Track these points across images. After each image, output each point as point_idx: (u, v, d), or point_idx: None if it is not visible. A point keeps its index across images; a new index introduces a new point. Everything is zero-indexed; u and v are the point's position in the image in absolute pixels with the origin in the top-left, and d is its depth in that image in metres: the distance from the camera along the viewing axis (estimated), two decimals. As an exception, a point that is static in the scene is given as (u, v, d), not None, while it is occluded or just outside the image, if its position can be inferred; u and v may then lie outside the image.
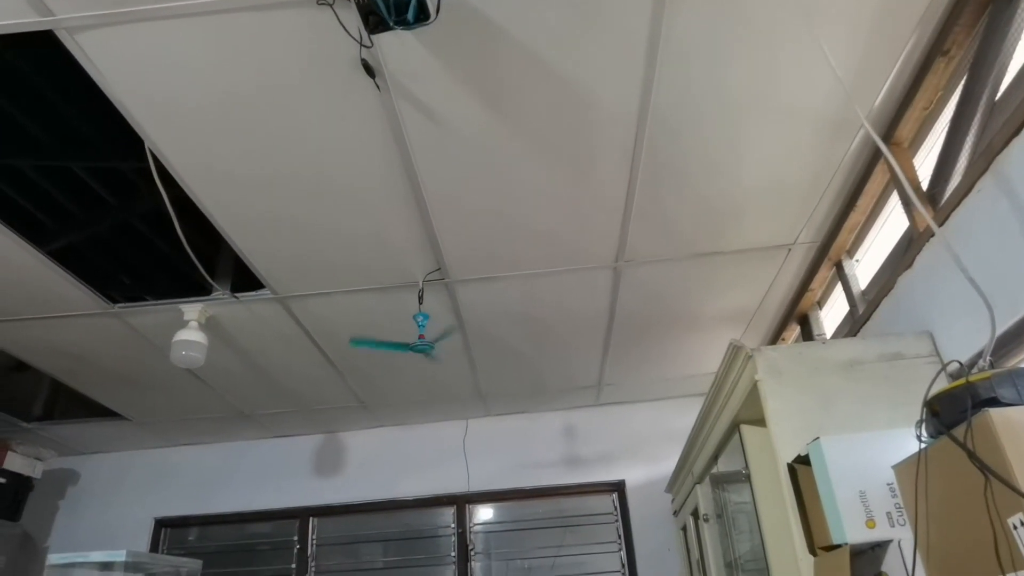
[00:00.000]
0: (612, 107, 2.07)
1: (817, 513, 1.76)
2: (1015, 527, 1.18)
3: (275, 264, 2.77)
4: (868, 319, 2.59)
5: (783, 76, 2.01)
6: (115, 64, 1.81)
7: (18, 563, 4.12)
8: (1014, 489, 1.17)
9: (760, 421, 2.38)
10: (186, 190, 2.30)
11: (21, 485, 4.16)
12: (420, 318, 2.87)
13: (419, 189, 2.36)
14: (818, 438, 1.73)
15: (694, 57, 1.92)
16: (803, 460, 1.85)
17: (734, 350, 2.16)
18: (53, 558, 2.73)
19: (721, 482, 3.02)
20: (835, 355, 2.08)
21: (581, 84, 1.98)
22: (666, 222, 2.66)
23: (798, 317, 3.46)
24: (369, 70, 1.84)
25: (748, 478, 2.37)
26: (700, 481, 3.21)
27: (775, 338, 3.74)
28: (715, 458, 2.88)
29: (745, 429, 2.41)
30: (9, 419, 4.17)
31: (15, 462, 4.07)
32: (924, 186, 2.25)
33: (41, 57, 1.83)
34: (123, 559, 2.69)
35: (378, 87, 1.93)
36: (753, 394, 2.14)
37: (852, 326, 2.78)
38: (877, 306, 2.52)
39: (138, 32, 1.73)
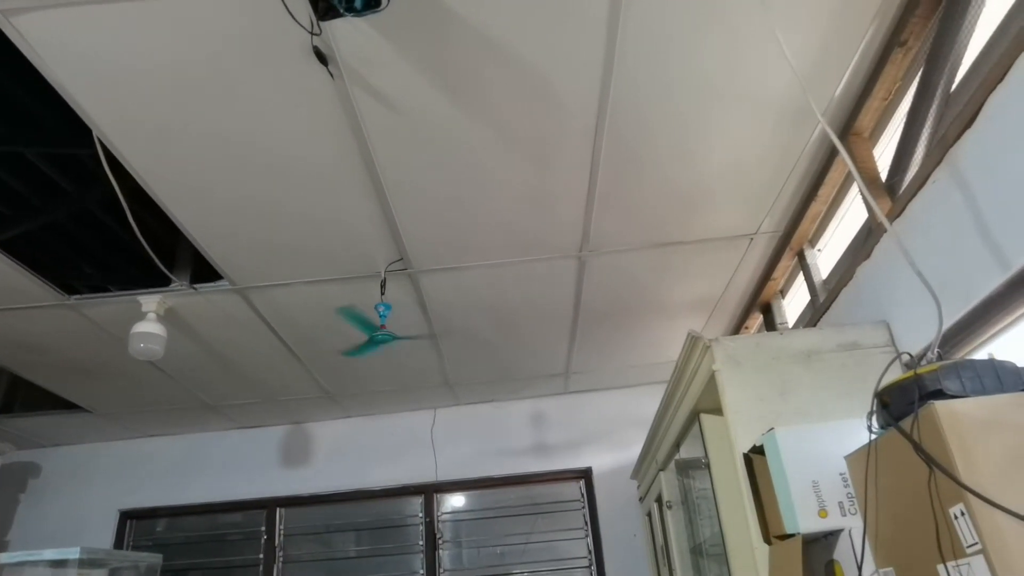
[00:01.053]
0: (572, 93, 2.05)
1: (772, 502, 1.78)
2: (955, 517, 1.20)
3: (233, 254, 2.71)
4: (828, 309, 2.62)
5: (742, 64, 2.00)
6: (55, 48, 1.75)
7: (-25, 559, 4.03)
8: (955, 480, 1.19)
9: (719, 410, 2.40)
10: (137, 179, 2.24)
11: (-23, 479, 4.07)
12: (382, 308, 2.83)
13: (378, 177, 2.32)
14: (772, 429, 1.74)
15: (654, 42, 1.91)
16: (758, 450, 1.86)
17: (692, 340, 2.16)
18: (2, 557, 2.66)
19: (684, 469, 3.05)
20: (793, 345, 2.09)
21: (539, 69, 1.95)
22: (629, 211, 2.65)
23: (761, 306, 3.49)
24: (321, 57, 1.80)
25: (708, 466, 2.39)
26: (664, 468, 3.24)
27: (738, 326, 3.77)
28: (677, 446, 2.90)
29: (705, 418, 2.43)
30: (-37, 412, 4.07)
31: (-30, 456, 3.98)
32: (884, 176, 2.27)
33: (-23, 40, 1.76)
34: (77, 556, 2.63)
35: (331, 75, 1.88)
36: (712, 384, 2.15)
37: (813, 315, 2.81)
38: (836, 296, 2.54)
39: (79, 15, 1.66)
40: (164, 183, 2.27)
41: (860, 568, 1.53)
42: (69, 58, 1.78)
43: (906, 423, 1.37)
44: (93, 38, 1.72)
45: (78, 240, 2.70)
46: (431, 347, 3.68)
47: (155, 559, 3.30)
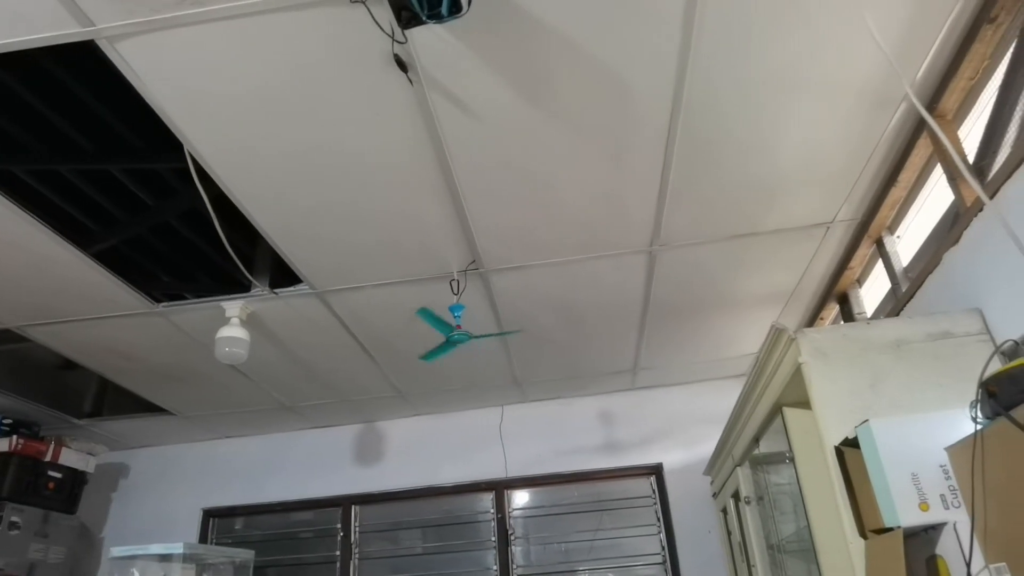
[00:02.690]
0: (646, 89, 2.04)
1: (867, 496, 1.74)
2: (1081, 510, 1.16)
3: (312, 259, 2.80)
4: (912, 297, 2.54)
5: (823, 49, 1.96)
6: (153, 70, 1.84)
7: (78, 554, 4.28)
8: (1079, 471, 1.15)
9: (803, 404, 2.36)
10: (224, 189, 2.34)
11: (76, 479, 4.30)
12: (456, 310, 2.88)
13: (453, 181, 2.37)
14: (867, 421, 1.71)
15: (730, 33, 1.89)
16: (851, 443, 1.83)
17: (776, 333, 2.13)
18: (115, 551, 2.82)
19: (762, 464, 3.00)
20: (881, 335, 2.04)
21: (614, 68, 1.96)
22: (702, 204, 2.63)
23: (837, 296, 3.40)
24: (402, 65, 1.85)
25: (792, 461, 2.35)
26: (740, 464, 3.20)
27: (813, 318, 3.69)
28: (756, 441, 2.86)
29: (788, 412, 2.39)
30: (62, 416, 4.32)
31: (70, 457, 4.21)
32: (970, 159, 2.19)
33: (81, 65, 1.87)
34: (181, 551, 2.78)
35: (411, 82, 1.93)
36: (796, 377, 2.12)
37: (895, 304, 2.73)
38: (922, 283, 2.46)
39: (174, 38, 1.75)
40: (250, 191, 2.37)
41: (969, 564, 1.49)
42: (166, 79, 1.87)
43: (1018, 413, 1.33)
44: (188, 56, 1.81)
45: (163, 251, 2.84)
46: (500, 345, 3.72)
47: (247, 555, 3.44)
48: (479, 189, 2.43)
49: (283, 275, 2.96)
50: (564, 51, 1.88)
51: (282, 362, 3.71)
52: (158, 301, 3.06)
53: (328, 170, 2.28)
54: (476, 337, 2.90)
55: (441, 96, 2.00)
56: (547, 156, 2.29)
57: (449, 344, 2.89)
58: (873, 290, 3.21)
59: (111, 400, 4.22)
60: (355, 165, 2.27)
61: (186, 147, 2.14)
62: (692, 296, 3.36)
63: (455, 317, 2.88)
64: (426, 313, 2.70)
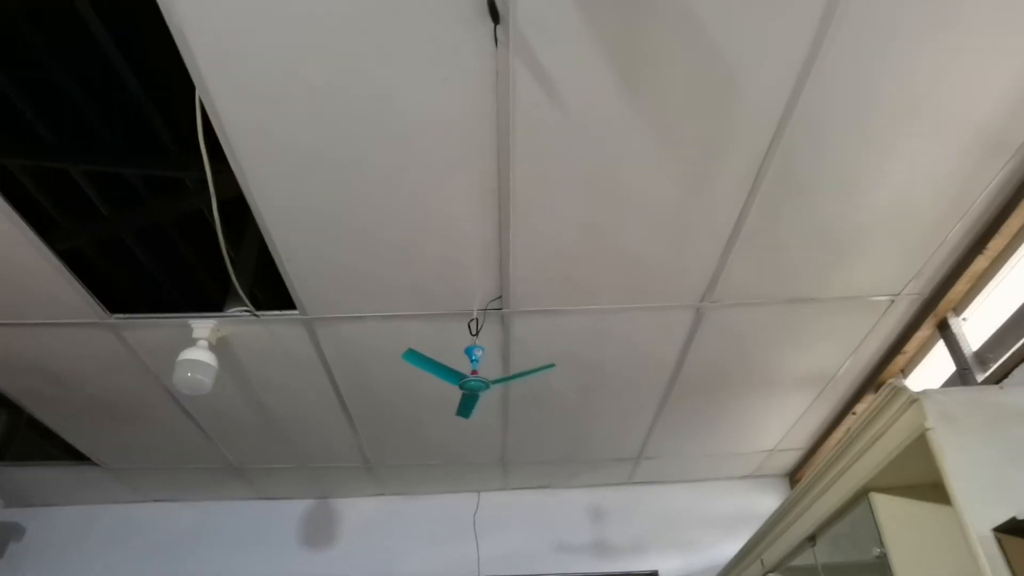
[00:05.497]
0: (759, 97, 1.77)
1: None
2: None
3: (313, 275, 2.36)
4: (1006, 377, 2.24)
5: (955, 69, 1.74)
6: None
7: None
8: None
9: (896, 489, 1.99)
10: (232, 164, 1.92)
11: (-47, 538, 3.51)
12: (476, 351, 2.45)
13: (508, 184, 2.00)
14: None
15: (865, 45, 1.66)
16: (1013, 528, 1.44)
17: (892, 391, 1.78)
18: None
19: (806, 571, 2.56)
20: (1018, 402, 1.71)
21: (732, 62, 1.68)
22: (769, 255, 2.33)
23: (877, 387, 3.10)
24: (494, 13, 1.53)
25: (885, 558, 1.93)
26: (775, 569, 2.74)
27: (845, 411, 3.37)
28: (812, 539, 2.43)
29: (878, 498, 2.00)
30: (-48, 456, 3.57)
31: (-48, 507, 3.44)
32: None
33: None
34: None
35: (496, 41, 1.62)
36: (909, 451, 1.75)
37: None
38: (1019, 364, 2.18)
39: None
40: (262, 173, 1.96)
41: None
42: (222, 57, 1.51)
43: None
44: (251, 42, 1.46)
45: (134, 253, 2.38)
46: (499, 409, 3.25)
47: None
48: (534, 205, 2.08)
49: (272, 293, 2.50)
50: (682, 29, 1.61)
51: (242, 405, 3.14)
52: (113, 311, 2.53)
53: (362, 156, 1.90)
54: (497, 382, 2.45)
55: (526, 67, 1.68)
56: (623, 166, 1.97)
57: (467, 396, 2.44)
58: (920, 379, 2.91)
59: (21, 440, 3.51)
60: (394, 136, 1.86)
61: (197, 91, 1.74)
62: (725, 370, 3.01)
63: (472, 361, 2.44)
64: (416, 357, 2.24)
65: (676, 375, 3.00)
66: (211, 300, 2.57)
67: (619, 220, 2.16)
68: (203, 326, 2.57)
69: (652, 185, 2.03)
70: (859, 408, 3.30)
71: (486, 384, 2.40)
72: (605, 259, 2.31)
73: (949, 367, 2.66)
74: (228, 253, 2.25)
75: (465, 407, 2.49)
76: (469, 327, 2.58)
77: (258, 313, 2.56)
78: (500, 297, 2.49)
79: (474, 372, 2.42)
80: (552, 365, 2.46)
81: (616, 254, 2.29)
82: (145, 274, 2.54)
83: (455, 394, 2.41)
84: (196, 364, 2.46)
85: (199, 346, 2.52)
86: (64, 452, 3.56)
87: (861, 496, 2.05)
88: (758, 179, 2.03)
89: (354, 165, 1.93)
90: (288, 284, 2.40)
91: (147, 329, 2.61)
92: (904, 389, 1.75)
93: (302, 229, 2.16)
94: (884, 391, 1.79)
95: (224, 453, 3.56)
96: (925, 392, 1.72)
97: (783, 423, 3.50)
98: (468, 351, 2.47)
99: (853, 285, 2.51)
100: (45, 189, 2.15)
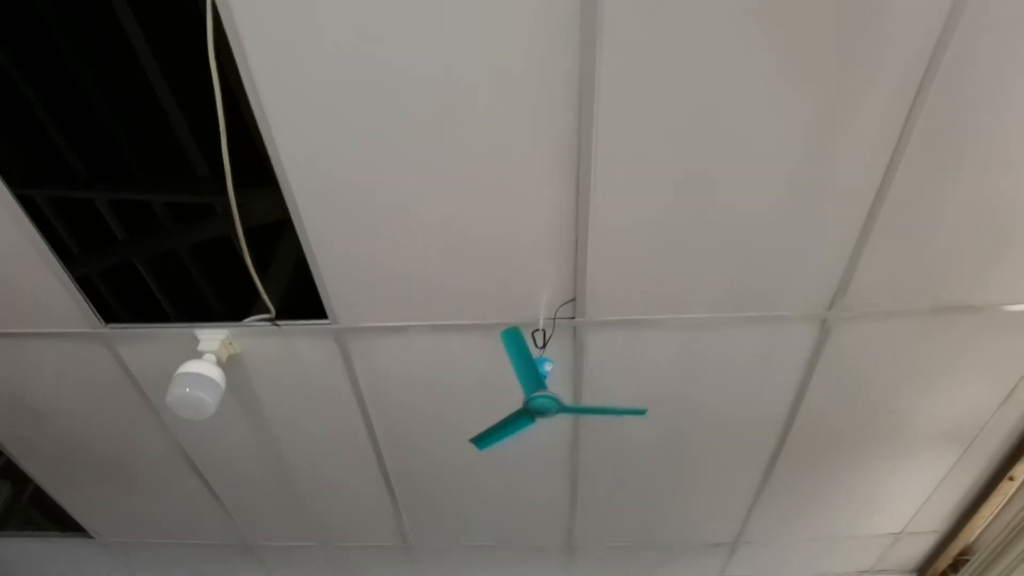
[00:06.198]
0: (907, 24, 1.34)
1: None
2: None
3: (351, 277, 1.93)
4: None
5: None
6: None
7: None
8: None
9: None
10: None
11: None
12: (545, 365, 1.92)
13: (589, 142, 1.56)
14: None
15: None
16: None
17: None
18: None
19: None
20: None
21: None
22: (909, 247, 1.82)
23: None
24: None
25: None
26: None
27: (997, 477, 2.67)
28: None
29: None
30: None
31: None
32: None
33: None
34: None
35: None
36: None
37: None
38: None
39: None
40: (293, 133, 1.56)
41: None
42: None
43: None
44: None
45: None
46: (566, 466, 2.64)
47: None
48: (620, 163, 1.61)
49: (296, 299, 2.06)
50: None
51: (252, 450, 2.60)
52: (107, 320, 2.12)
53: (413, 120, 1.49)
54: (571, 410, 1.91)
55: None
56: (723, 120, 1.52)
57: (523, 414, 1.89)
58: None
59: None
60: (460, 105, 1.48)
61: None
62: (848, 414, 2.39)
63: (542, 374, 1.91)
64: (514, 336, 1.73)
65: (791, 420, 2.39)
66: (211, 311, 2.14)
67: (728, 187, 1.67)
68: (211, 337, 2.12)
69: (767, 141, 1.56)
70: (1016, 473, 2.61)
71: (557, 404, 1.86)
72: (702, 244, 1.80)
73: None
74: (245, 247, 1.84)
75: (495, 433, 1.94)
76: (534, 339, 2.06)
77: (279, 322, 2.11)
78: (574, 299, 1.99)
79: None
80: (644, 411, 1.92)
81: (717, 231, 1.77)
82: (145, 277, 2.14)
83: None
84: (198, 379, 1.99)
85: (205, 359, 2.06)
86: (55, 519, 3.05)
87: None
88: (901, 138, 1.55)
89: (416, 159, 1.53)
90: (319, 285, 1.96)
91: (144, 343, 2.17)
92: None
93: (347, 226, 1.76)
94: None
95: (237, 522, 3.00)
96: None
97: (916, 494, 2.79)
98: (537, 363, 1.94)
99: (1018, 289, 1.94)
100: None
